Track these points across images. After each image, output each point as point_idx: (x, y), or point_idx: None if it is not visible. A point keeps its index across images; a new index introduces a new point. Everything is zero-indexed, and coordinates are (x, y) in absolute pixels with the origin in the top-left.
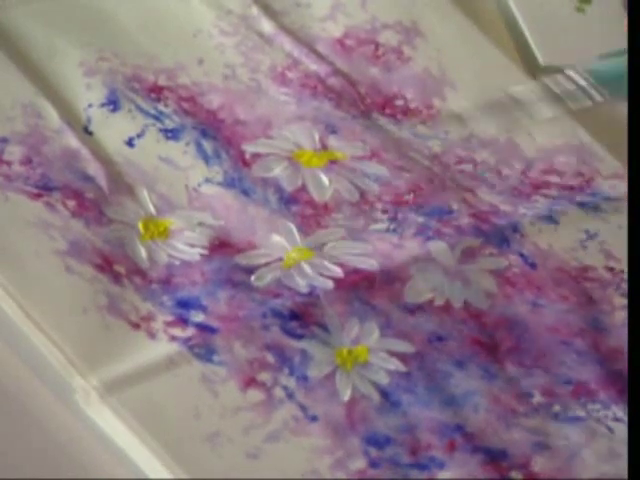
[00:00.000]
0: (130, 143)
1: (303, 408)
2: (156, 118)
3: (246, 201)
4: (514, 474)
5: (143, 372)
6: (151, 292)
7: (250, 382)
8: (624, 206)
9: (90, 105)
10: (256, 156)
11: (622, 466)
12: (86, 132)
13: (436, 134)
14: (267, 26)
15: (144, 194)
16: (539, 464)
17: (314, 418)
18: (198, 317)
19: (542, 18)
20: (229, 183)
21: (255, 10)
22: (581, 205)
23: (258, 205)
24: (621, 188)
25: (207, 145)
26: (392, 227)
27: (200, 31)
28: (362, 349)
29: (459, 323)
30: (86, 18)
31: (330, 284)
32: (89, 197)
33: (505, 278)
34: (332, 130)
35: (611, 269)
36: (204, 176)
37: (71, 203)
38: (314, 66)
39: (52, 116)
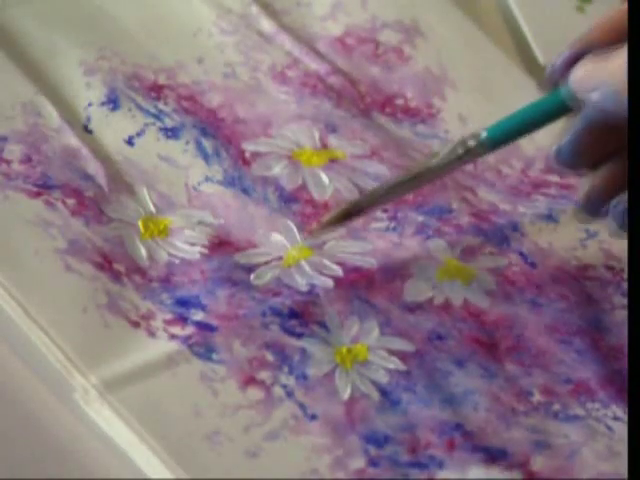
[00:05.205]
0: (130, 142)
1: (302, 407)
2: (156, 117)
3: (246, 200)
4: (514, 473)
5: (143, 370)
6: (151, 290)
7: (250, 380)
8: None
9: (90, 104)
10: (256, 155)
11: (621, 465)
12: (86, 131)
13: (436, 133)
14: (267, 25)
15: (144, 193)
16: (538, 463)
17: (313, 417)
18: (198, 315)
19: (542, 18)
20: (229, 182)
21: (255, 9)
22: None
23: (258, 204)
24: None
25: (207, 144)
26: (392, 226)
27: (200, 30)
28: (362, 347)
29: (459, 322)
30: (86, 17)
31: (330, 283)
32: (89, 196)
33: (505, 277)
34: (332, 129)
35: (611, 268)
36: (204, 175)
37: (71, 202)
38: (314, 65)
39: (52, 115)
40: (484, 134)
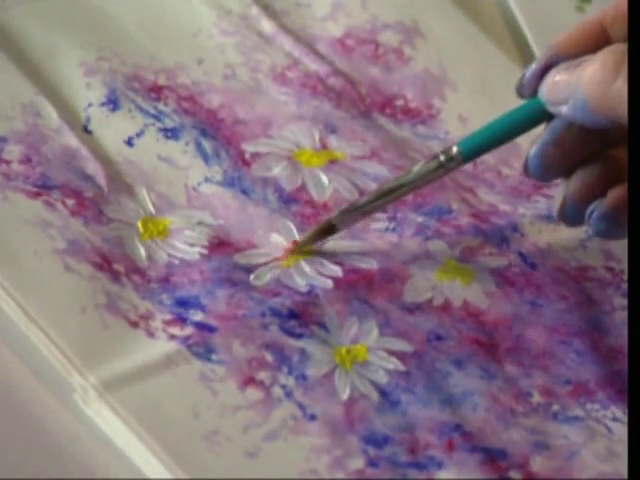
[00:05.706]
0: (129, 142)
1: (302, 407)
2: (156, 117)
3: (245, 200)
4: (513, 474)
5: (142, 371)
6: (150, 291)
7: (249, 381)
8: None
9: (90, 104)
10: (256, 155)
11: (621, 466)
12: (85, 131)
13: (436, 134)
14: (267, 26)
15: (143, 193)
16: (538, 464)
17: (313, 417)
18: (197, 316)
19: (542, 18)
20: (229, 182)
21: (255, 10)
22: None
23: (258, 204)
24: None
25: (207, 144)
26: (391, 226)
27: (200, 31)
28: (361, 348)
29: (458, 322)
30: (86, 17)
31: (329, 283)
32: (88, 196)
33: (504, 277)
34: (332, 130)
35: (611, 269)
36: (204, 175)
37: (70, 202)
38: (314, 66)
39: (51, 115)
40: (455, 149)
